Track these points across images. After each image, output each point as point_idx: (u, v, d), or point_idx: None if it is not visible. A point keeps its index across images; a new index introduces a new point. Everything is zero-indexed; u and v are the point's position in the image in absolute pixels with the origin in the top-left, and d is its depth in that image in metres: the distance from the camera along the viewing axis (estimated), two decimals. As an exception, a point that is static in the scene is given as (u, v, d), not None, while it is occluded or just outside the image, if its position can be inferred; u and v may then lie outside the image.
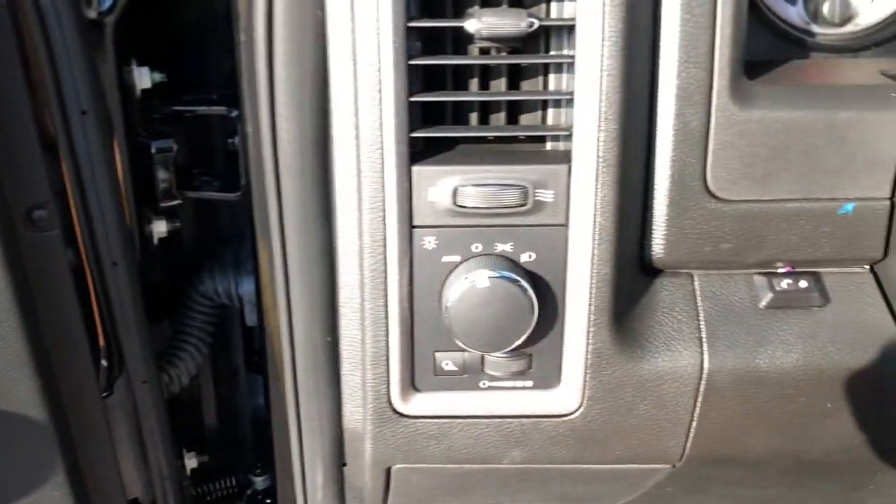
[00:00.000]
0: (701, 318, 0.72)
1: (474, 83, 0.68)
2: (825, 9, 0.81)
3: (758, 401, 0.72)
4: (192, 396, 1.38)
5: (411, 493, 0.84)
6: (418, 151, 0.67)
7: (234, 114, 1.03)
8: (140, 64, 0.98)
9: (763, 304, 0.72)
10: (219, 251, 1.24)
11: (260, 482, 1.39)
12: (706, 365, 0.70)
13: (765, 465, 0.77)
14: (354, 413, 0.74)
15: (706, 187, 0.69)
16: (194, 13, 1.05)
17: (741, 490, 0.88)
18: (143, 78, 0.98)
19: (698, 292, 0.73)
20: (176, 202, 1.06)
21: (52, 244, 0.89)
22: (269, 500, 1.37)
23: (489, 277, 0.65)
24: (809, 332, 0.72)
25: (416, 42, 0.65)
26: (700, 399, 0.72)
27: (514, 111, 0.69)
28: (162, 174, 1.01)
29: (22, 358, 0.86)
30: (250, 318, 1.19)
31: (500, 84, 0.68)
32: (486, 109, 0.69)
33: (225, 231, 1.26)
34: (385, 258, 0.67)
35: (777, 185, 0.69)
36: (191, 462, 1.32)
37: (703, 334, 0.71)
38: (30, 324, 0.86)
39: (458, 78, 0.68)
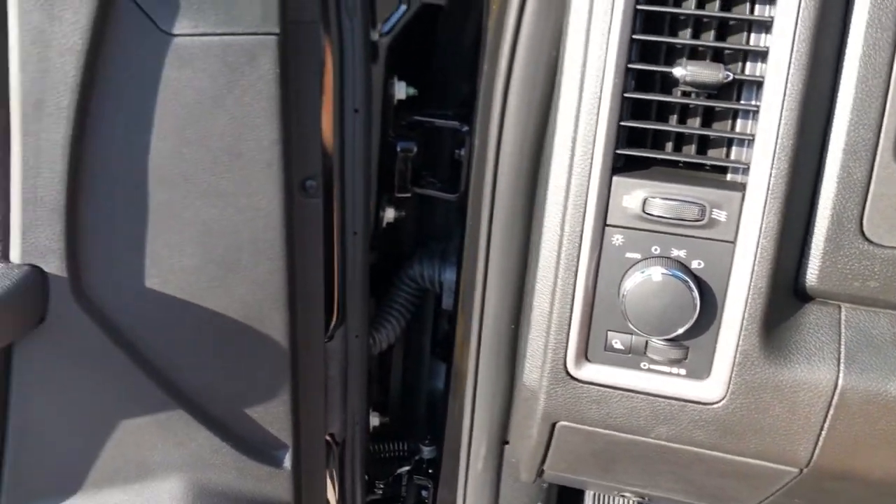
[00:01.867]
0: (842, 342, 0.83)
1: (673, 119, 0.84)
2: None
3: (885, 424, 0.82)
4: (384, 365, 1.61)
5: (567, 454, 1.00)
6: (620, 166, 0.84)
7: (465, 129, 1.24)
8: (400, 79, 1.22)
9: (902, 341, 0.83)
10: (429, 243, 1.46)
11: (427, 451, 1.58)
12: (840, 382, 0.82)
13: (888, 486, 0.87)
14: (533, 372, 0.92)
15: (861, 231, 0.81)
16: (449, 42, 1.28)
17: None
18: (401, 90, 1.22)
19: (843, 321, 0.84)
20: (407, 195, 1.29)
21: (315, 209, 1.14)
22: (430, 470, 1.57)
23: (662, 274, 0.81)
24: (942, 372, 0.81)
25: (631, 81, 0.83)
26: (831, 412, 0.83)
27: (704, 145, 0.85)
28: (401, 170, 1.24)
29: (280, 294, 1.10)
30: (446, 302, 1.40)
31: (695, 122, 0.84)
32: (680, 141, 0.85)
33: (437, 227, 1.49)
34: (579, 247, 0.84)
35: (928, 237, 0.80)
36: (374, 420, 1.54)
37: (842, 356, 0.83)
38: (289, 268, 1.11)
39: (661, 113, 0.85)
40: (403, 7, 1.14)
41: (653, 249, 0.83)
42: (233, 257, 1.07)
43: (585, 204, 0.83)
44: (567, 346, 0.88)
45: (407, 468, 1.58)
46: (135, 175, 0.94)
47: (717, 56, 0.82)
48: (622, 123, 0.81)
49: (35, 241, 0.93)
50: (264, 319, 1.13)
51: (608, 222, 0.83)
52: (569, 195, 0.84)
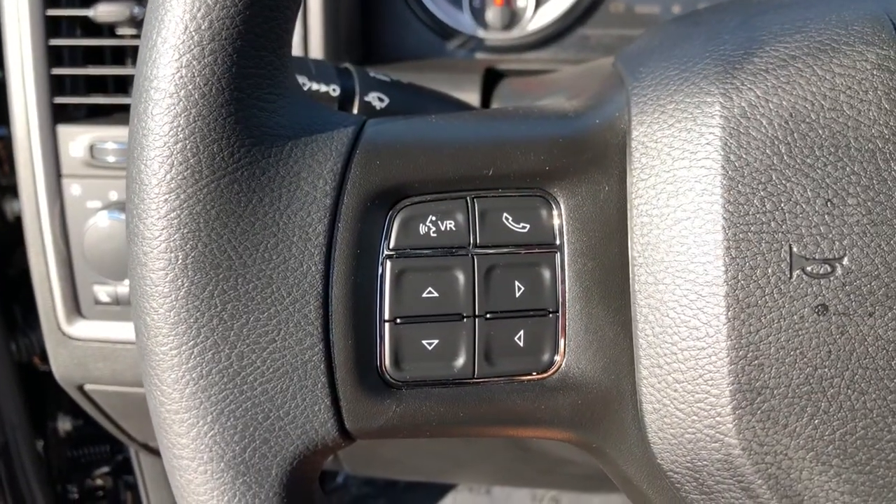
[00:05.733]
0: None
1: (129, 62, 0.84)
2: (489, 16, 0.93)
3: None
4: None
5: (132, 416, 0.99)
6: (82, 116, 0.83)
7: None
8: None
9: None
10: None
11: (132, 450, 1.55)
12: None
13: None
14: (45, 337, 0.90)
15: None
16: None
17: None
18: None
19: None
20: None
21: None
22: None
23: (108, 217, 0.80)
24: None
25: (79, 29, 0.82)
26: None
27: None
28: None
29: None
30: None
31: (141, 64, 0.84)
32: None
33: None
34: (37, 201, 0.83)
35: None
36: (64, 425, 1.50)
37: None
38: None
39: (118, 57, 0.84)
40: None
41: (111, 196, 0.82)
42: None
43: (31, 157, 0.82)
44: (55, 305, 0.86)
45: (105, 469, 1.54)
46: None
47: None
48: (53, 72, 0.80)
49: None
50: None
51: (63, 173, 0.82)
52: (18, 150, 0.82)
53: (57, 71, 0.81)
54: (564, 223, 0.39)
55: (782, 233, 0.35)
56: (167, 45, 0.34)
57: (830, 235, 0.35)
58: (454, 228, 0.38)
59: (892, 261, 0.35)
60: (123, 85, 0.84)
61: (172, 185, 0.34)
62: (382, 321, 0.37)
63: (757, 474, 0.35)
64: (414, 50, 0.94)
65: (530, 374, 0.39)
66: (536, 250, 0.39)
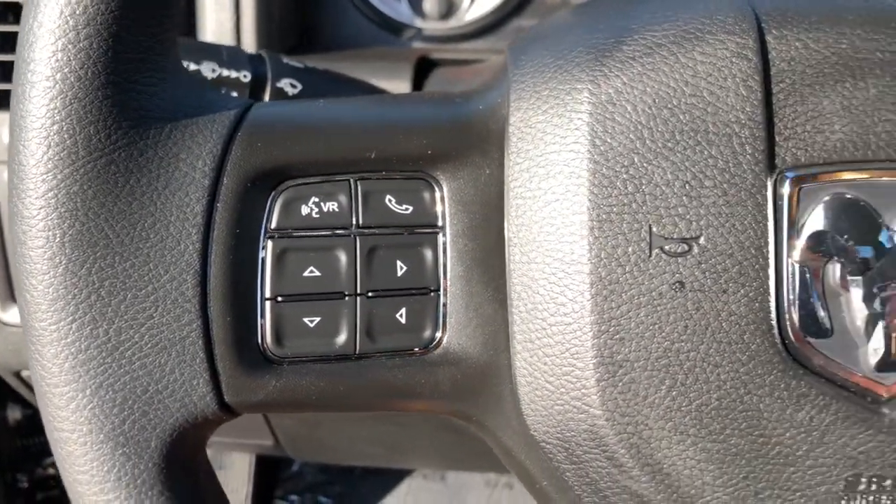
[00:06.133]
0: None
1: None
2: (427, 6, 0.94)
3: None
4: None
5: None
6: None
7: None
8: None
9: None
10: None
11: (83, 438, 1.55)
12: None
13: None
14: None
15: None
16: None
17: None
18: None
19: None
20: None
21: None
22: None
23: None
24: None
25: (10, 15, 0.82)
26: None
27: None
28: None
29: None
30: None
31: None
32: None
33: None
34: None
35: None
36: (14, 413, 1.49)
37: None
38: None
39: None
40: None
41: None
42: None
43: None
44: (-13, 291, 0.86)
45: (57, 458, 1.54)
46: None
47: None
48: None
49: None
50: None
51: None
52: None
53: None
54: (447, 205, 0.40)
55: (643, 214, 0.37)
56: (43, 30, 0.35)
57: (688, 216, 0.36)
58: (337, 210, 0.39)
59: (745, 240, 0.36)
60: (56, 71, 0.84)
61: (49, 166, 0.35)
62: (263, 299, 0.38)
63: (620, 444, 0.37)
64: (350, 39, 0.95)
65: (412, 350, 0.40)
66: (419, 231, 0.41)
